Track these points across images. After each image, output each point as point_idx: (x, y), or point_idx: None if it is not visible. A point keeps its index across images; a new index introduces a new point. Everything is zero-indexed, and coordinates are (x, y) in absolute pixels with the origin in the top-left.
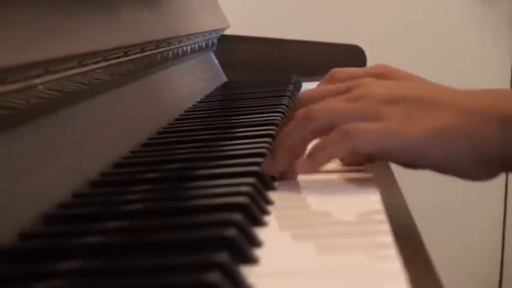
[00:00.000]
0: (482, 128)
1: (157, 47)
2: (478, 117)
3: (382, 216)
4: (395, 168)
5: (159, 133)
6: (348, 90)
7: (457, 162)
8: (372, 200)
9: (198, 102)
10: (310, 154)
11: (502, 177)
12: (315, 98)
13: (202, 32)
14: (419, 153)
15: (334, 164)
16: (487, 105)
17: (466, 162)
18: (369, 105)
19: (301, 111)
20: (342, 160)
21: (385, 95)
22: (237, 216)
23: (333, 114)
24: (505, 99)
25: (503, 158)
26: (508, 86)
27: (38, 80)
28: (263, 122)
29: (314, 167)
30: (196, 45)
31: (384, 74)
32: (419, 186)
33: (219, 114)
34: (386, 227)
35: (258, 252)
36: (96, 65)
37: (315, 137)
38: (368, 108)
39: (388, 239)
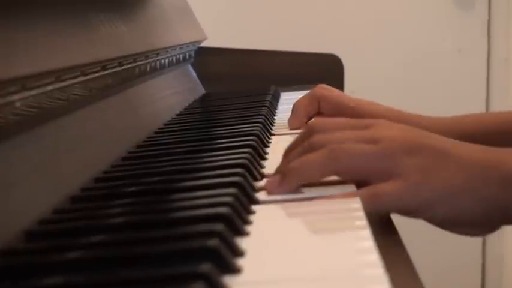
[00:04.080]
0: (484, 187)
1: (135, 61)
2: (482, 177)
3: (364, 222)
4: None
5: (138, 146)
6: (365, 128)
7: (460, 219)
8: (353, 207)
9: (177, 115)
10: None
11: None
12: (333, 128)
13: (180, 45)
14: (425, 207)
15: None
16: (489, 164)
17: (468, 219)
18: (389, 154)
19: (324, 151)
20: None
21: (402, 142)
22: (219, 227)
23: (355, 158)
24: (505, 157)
25: (503, 213)
26: (483, 92)
27: (15, 97)
28: (243, 132)
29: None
30: (174, 58)
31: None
32: None
33: (198, 126)
34: (367, 232)
35: (241, 262)
36: (74, 80)
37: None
38: (388, 156)
39: (370, 243)
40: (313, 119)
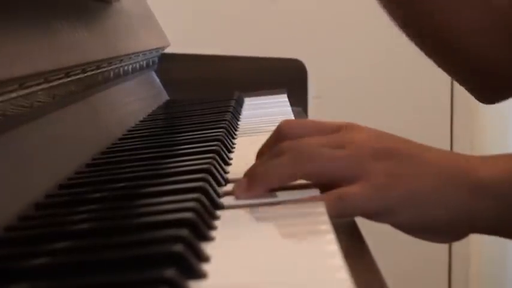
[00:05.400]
0: (452, 194)
1: (98, 68)
2: (450, 184)
3: (328, 227)
4: None
5: (103, 153)
6: (334, 131)
7: (425, 225)
8: (317, 211)
9: (141, 121)
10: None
11: None
12: (301, 132)
13: (143, 51)
14: (391, 211)
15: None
16: (459, 171)
17: (433, 225)
18: (358, 158)
19: (291, 154)
20: None
21: (371, 146)
22: (184, 232)
23: (323, 162)
24: (476, 166)
25: (470, 222)
26: (448, 92)
27: None
28: (207, 138)
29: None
30: (137, 64)
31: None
32: None
33: (162, 133)
34: (332, 237)
35: (206, 267)
36: (38, 87)
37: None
38: (356, 161)
39: (334, 247)
40: (282, 120)
